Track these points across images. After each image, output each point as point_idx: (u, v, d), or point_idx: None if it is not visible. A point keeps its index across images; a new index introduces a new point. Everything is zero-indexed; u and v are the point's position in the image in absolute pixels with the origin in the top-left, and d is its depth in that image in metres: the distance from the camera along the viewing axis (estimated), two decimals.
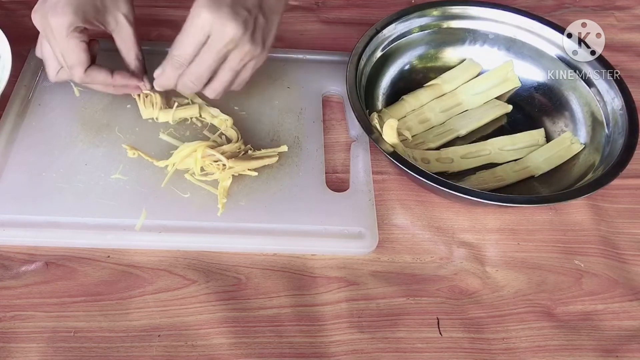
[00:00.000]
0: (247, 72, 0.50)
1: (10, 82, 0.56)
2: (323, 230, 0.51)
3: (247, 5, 0.46)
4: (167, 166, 0.53)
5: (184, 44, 0.47)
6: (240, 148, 0.55)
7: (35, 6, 0.49)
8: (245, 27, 0.45)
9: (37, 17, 0.49)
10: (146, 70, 0.55)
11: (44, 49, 0.52)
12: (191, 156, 0.52)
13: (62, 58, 0.50)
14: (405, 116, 0.61)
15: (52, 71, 0.52)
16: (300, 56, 0.66)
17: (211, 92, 0.51)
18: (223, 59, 0.48)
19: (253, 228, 0.51)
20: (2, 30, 0.58)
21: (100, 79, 0.52)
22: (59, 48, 0.49)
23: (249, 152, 0.55)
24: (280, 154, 0.56)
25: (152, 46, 0.64)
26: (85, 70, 0.50)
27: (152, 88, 0.56)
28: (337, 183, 0.56)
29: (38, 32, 0.52)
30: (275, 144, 0.57)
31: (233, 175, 0.53)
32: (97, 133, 0.56)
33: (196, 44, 0.46)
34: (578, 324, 0.49)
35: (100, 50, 0.53)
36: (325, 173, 0.56)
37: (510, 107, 0.62)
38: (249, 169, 0.54)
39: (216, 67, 0.48)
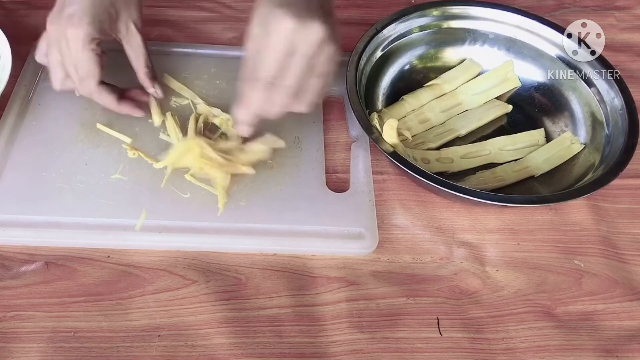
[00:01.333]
0: (330, 75, 0.47)
1: (10, 82, 0.56)
2: (323, 231, 0.51)
3: (314, 7, 0.43)
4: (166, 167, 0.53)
5: (269, 58, 0.43)
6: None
7: (51, 15, 0.48)
8: (326, 28, 0.43)
9: (52, 27, 0.48)
10: (156, 76, 0.55)
11: (51, 57, 0.50)
12: (188, 155, 0.52)
13: (74, 69, 0.49)
14: (405, 116, 0.61)
15: (58, 80, 0.52)
16: None
17: (305, 105, 0.47)
18: (310, 68, 0.44)
19: (253, 228, 0.51)
20: (2, 30, 0.58)
21: (106, 101, 0.52)
22: (72, 59, 0.48)
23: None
24: (280, 154, 0.56)
25: (153, 46, 0.64)
26: (97, 84, 0.50)
27: (163, 95, 0.56)
28: (337, 183, 0.56)
29: (38, 32, 0.52)
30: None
31: (233, 175, 0.53)
32: (97, 133, 0.56)
33: (282, 55, 0.43)
34: (578, 324, 0.49)
35: (105, 58, 0.53)
36: (326, 173, 0.56)
37: (510, 107, 0.62)
38: (243, 165, 0.53)
39: (305, 77, 0.45)
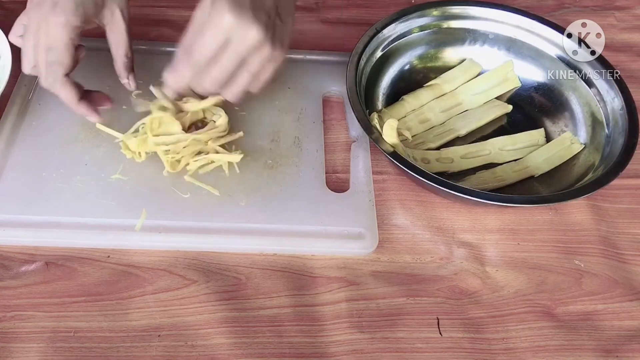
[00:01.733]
0: (265, 73, 0.48)
1: (10, 82, 0.56)
2: (323, 231, 0.51)
3: (266, 8, 0.44)
4: (165, 169, 0.53)
5: (203, 46, 0.44)
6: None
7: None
8: (266, 31, 0.44)
9: (33, 12, 0.48)
10: (133, 68, 0.54)
11: (26, 39, 0.49)
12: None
13: (45, 54, 0.48)
14: (405, 116, 0.61)
15: (28, 63, 0.50)
16: (301, 56, 0.65)
17: (230, 95, 0.49)
18: (242, 63, 0.46)
19: (253, 229, 0.51)
20: (2, 30, 0.58)
21: (67, 95, 0.50)
22: (47, 44, 0.48)
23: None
24: (280, 154, 0.56)
25: (152, 46, 0.64)
26: (65, 75, 0.49)
27: (136, 87, 0.55)
28: (337, 183, 0.56)
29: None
30: (275, 144, 0.57)
31: (233, 175, 0.53)
32: (98, 133, 0.56)
33: (216, 46, 0.44)
34: (578, 324, 0.49)
35: (86, 51, 0.52)
36: (326, 173, 0.56)
37: (510, 107, 0.62)
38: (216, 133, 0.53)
39: (235, 71, 0.46)
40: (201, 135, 0.53)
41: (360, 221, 0.52)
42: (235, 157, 0.54)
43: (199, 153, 0.54)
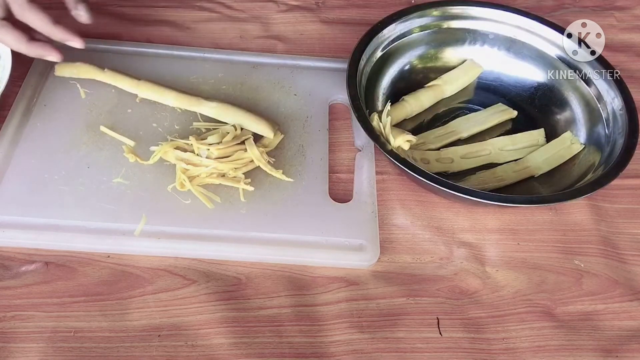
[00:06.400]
0: None
1: (11, 83, 0.56)
2: (324, 242, 0.51)
3: None
4: (175, 181, 0.52)
5: None
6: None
7: None
8: None
9: None
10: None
11: None
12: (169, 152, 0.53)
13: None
14: (405, 119, 0.61)
15: None
16: (309, 63, 0.65)
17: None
18: None
19: (253, 237, 0.50)
20: None
21: (11, 38, 0.49)
22: None
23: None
24: (283, 162, 0.55)
25: (159, 49, 0.64)
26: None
27: (91, 21, 0.53)
28: (341, 193, 0.55)
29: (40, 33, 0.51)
30: (278, 152, 0.56)
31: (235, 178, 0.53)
32: (101, 136, 0.55)
33: None
34: (578, 324, 0.49)
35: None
36: (329, 183, 0.55)
37: (515, 113, 0.62)
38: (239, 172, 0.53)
39: None
40: (224, 164, 0.52)
41: (361, 233, 0.51)
42: (247, 187, 0.52)
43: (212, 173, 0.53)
